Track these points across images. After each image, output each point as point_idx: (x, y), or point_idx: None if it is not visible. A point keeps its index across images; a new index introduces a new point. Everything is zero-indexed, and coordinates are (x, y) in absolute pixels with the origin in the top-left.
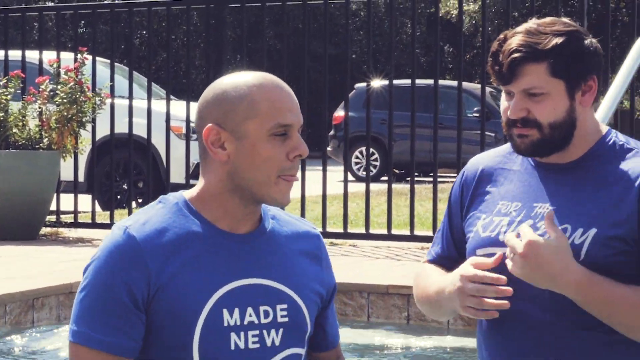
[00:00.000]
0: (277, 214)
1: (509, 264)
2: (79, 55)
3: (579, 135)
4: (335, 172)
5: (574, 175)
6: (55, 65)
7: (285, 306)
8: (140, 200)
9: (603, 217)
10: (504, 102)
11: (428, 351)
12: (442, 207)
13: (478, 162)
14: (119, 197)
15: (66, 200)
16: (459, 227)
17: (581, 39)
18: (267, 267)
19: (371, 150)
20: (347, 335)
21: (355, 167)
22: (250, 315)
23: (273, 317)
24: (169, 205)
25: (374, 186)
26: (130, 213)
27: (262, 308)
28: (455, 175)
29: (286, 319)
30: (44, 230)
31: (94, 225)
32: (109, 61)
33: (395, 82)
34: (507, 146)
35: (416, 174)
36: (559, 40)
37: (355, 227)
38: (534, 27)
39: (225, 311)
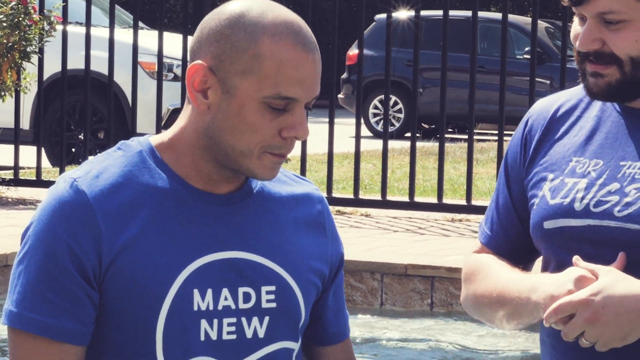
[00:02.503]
0: None
1: (568, 335)
2: None
3: None
4: (349, 126)
5: None
6: None
7: (272, 288)
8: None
9: None
10: (575, 28)
11: (456, 347)
12: (482, 171)
13: (546, 105)
14: (73, 150)
15: (5, 152)
16: (522, 194)
17: None
18: (252, 237)
19: (394, 99)
20: (354, 326)
21: (373, 120)
22: (226, 299)
23: (256, 302)
24: (131, 154)
25: (396, 144)
26: None
27: (241, 289)
28: (496, 132)
29: (273, 305)
30: None
31: (39, 183)
32: None
33: (424, 13)
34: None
35: (448, 129)
36: None
37: (370, 193)
38: None
39: (196, 292)
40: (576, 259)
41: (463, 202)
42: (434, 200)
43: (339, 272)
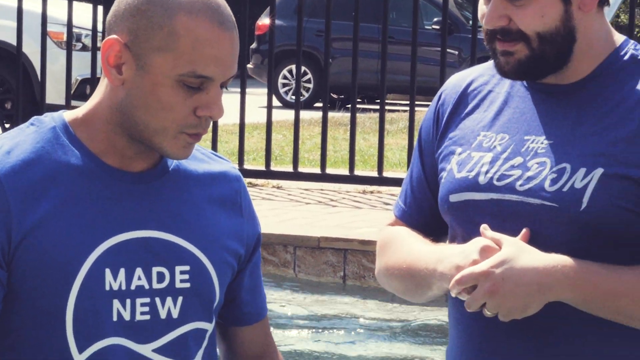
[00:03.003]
0: None
1: (471, 306)
2: None
3: (582, 49)
4: (258, 96)
5: (579, 100)
6: None
7: (186, 268)
8: (7, 126)
9: (614, 154)
10: (481, 7)
11: (369, 321)
12: (392, 142)
13: (459, 80)
14: None
15: None
16: (434, 167)
17: None
18: (166, 216)
19: (303, 69)
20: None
21: (282, 90)
22: (140, 278)
23: (170, 282)
24: (44, 130)
25: (306, 114)
26: None
27: (155, 269)
28: (407, 102)
29: (187, 285)
30: None
31: None
32: None
33: None
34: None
35: (359, 100)
36: None
37: (281, 165)
38: None
39: (107, 271)
40: (484, 227)
41: (374, 173)
42: (345, 172)
43: (255, 252)
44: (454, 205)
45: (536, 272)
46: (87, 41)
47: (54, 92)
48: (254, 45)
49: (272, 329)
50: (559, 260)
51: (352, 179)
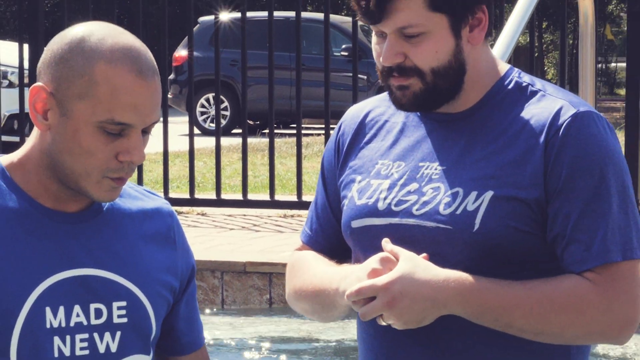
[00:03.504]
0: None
1: (366, 316)
2: None
3: (472, 80)
4: (177, 124)
5: (468, 127)
6: None
7: (124, 304)
8: None
9: (502, 177)
10: (375, 46)
11: (294, 342)
12: (308, 166)
13: (357, 111)
14: None
15: None
16: (336, 195)
17: None
18: (102, 254)
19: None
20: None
21: (201, 118)
22: (78, 315)
23: (107, 317)
24: None
25: (224, 141)
26: None
27: (93, 306)
28: (322, 126)
29: (125, 320)
30: None
31: None
32: None
33: (248, 14)
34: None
35: (274, 125)
36: None
37: (203, 192)
38: None
39: (48, 310)
40: (385, 241)
41: (294, 197)
42: (266, 197)
43: (190, 283)
44: (356, 231)
45: (430, 287)
46: (13, 78)
47: None
48: (171, 76)
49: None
50: (452, 276)
51: (273, 204)
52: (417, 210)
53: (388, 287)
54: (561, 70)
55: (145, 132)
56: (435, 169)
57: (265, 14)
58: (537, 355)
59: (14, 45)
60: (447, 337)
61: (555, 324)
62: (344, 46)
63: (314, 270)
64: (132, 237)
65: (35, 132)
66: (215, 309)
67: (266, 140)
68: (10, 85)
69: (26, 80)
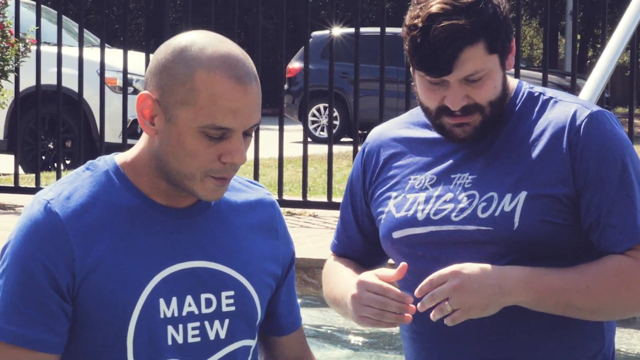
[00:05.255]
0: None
1: (436, 315)
2: None
3: None
4: (289, 132)
5: (492, 138)
6: None
7: (231, 293)
8: (68, 162)
9: (532, 178)
10: (426, 91)
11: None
12: None
13: (379, 134)
14: (43, 157)
15: None
16: (363, 211)
17: (494, 0)
18: (211, 247)
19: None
20: (308, 318)
21: (311, 127)
22: (190, 305)
23: (217, 306)
24: (98, 174)
25: (334, 148)
26: (59, 176)
27: (203, 296)
28: None
29: (232, 308)
30: None
31: (16, 189)
32: (34, 3)
33: (361, 30)
34: (409, 114)
35: None
36: (485, 10)
37: (314, 195)
38: (449, 2)
39: (161, 301)
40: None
41: None
42: None
43: (290, 270)
44: (397, 241)
45: (495, 276)
46: (138, 85)
47: (109, 132)
48: (285, 87)
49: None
50: (511, 268)
51: None
52: (455, 216)
53: (458, 272)
54: None
55: (247, 134)
56: (467, 179)
57: (374, 29)
58: (577, 337)
59: (139, 55)
60: (499, 334)
61: (609, 300)
62: None
63: (335, 279)
64: (237, 229)
65: (144, 135)
66: (325, 305)
67: None
68: (135, 92)
69: None
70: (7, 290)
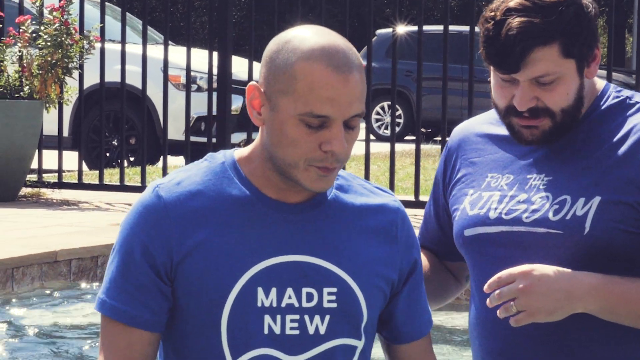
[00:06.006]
0: (347, 184)
1: (502, 313)
2: None
3: None
4: None
5: (571, 140)
6: (38, 4)
7: (334, 290)
8: (132, 159)
9: (607, 183)
10: (498, 88)
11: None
12: None
13: (462, 130)
14: (107, 154)
15: (49, 157)
16: (443, 206)
17: (581, 3)
18: (318, 243)
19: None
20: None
21: (375, 125)
22: (290, 297)
23: (318, 301)
24: (214, 165)
25: (397, 146)
26: (122, 172)
27: (305, 290)
28: None
29: (334, 305)
30: (24, 190)
31: (80, 185)
32: (99, 0)
33: (423, 28)
34: (494, 111)
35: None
36: (565, 12)
37: None
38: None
39: (260, 290)
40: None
41: None
42: None
43: (410, 277)
44: (468, 239)
45: (566, 280)
46: (202, 83)
47: (172, 129)
48: None
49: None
50: (583, 273)
51: None
52: (526, 218)
53: (528, 273)
54: None
55: (349, 127)
56: (542, 180)
57: (439, 27)
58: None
59: (203, 53)
60: (565, 338)
61: None
62: None
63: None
64: (350, 230)
65: (260, 129)
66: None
67: (438, 147)
68: (199, 89)
69: (214, 85)
70: (114, 267)
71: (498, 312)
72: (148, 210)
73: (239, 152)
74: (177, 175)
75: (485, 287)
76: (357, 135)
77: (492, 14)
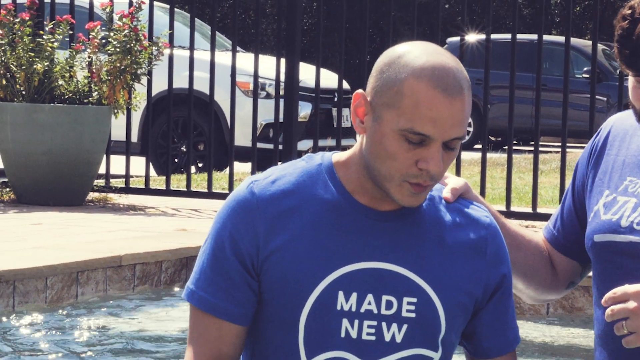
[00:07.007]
0: (438, 196)
1: (617, 332)
2: None
3: None
4: None
5: None
6: (108, 10)
7: (414, 300)
8: (200, 165)
9: None
10: (633, 88)
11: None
12: (544, 180)
13: (614, 121)
14: (176, 160)
15: (117, 163)
16: (582, 199)
17: None
18: (403, 252)
19: None
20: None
21: None
22: (370, 304)
23: (397, 310)
24: (311, 166)
25: (466, 155)
26: (189, 178)
27: (385, 297)
28: (559, 144)
29: (413, 315)
30: (91, 195)
31: (147, 191)
32: (168, 6)
33: (493, 36)
34: None
35: (515, 142)
36: None
37: None
38: None
39: (340, 293)
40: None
41: (529, 209)
42: (502, 207)
43: (496, 293)
44: (597, 245)
45: None
46: (270, 90)
47: (241, 135)
48: None
49: None
50: None
51: (508, 214)
52: None
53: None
54: None
55: (449, 147)
56: None
57: (508, 35)
58: None
59: (271, 59)
60: None
61: None
62: (585, 69)
63: None
64: (438, 242)
65: (359, 136)
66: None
67: (505, 155)
68: (267, 96)
69: (282, 93)
70: (204, 258)
71: (614, 328)
72: (240, 206)
73: (337, 156)
74: (273, 173)
75: (603, 300)
76: (455, 156)
77: (629, 11)
